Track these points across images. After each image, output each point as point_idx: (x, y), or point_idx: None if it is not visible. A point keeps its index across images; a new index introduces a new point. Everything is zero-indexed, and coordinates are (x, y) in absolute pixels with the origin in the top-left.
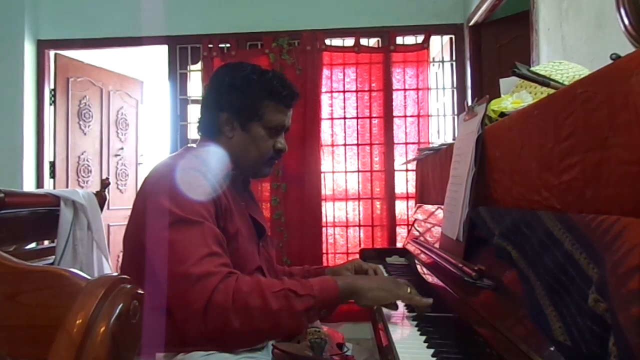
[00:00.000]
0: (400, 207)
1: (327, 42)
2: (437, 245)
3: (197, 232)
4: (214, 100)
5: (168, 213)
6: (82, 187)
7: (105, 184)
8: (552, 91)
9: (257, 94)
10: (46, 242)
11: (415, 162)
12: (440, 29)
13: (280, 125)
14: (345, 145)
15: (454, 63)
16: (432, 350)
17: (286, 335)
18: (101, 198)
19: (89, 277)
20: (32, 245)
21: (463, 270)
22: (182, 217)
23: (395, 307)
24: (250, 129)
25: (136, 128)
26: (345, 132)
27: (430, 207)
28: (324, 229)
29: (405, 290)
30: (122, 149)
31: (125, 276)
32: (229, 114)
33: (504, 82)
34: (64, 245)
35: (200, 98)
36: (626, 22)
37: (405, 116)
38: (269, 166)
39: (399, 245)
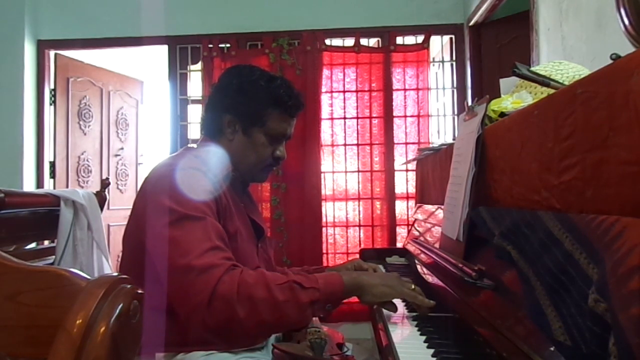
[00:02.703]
0: (400, 207)
1: (327, 42)
2: (437, 245)
3: (200, 227)
4: (219, 101)
5: (169, 211)
6: (82, 187)
7: (105, 184)
8: (552, 91)
9: (263, 100)
10: (46, 242)
11: (415, 162)
12: (440, 29)
13: (282, 134)
14: (345, 145)
15: (454, 63)
16: (432, 350)
17: (290, 328)
18: (101, 198)
19: (89, 277)
20: (32, 245)
21: (463, 270)
22: (184, 213)
23: (395, 309)
24: (251, 134)
25: (136, 128)
26: (345, 132)
27: (430, 207)
28: (324, 229)
29: (410, 287)
30: (122, 149)
31: (125, 276)
32: (233, 117)
33: (504, 82)
34: (64, 245)
35: (200, 98)
36: (626, 22)
37: (405, 116)
38: (266, 172)
39: (399, 245)
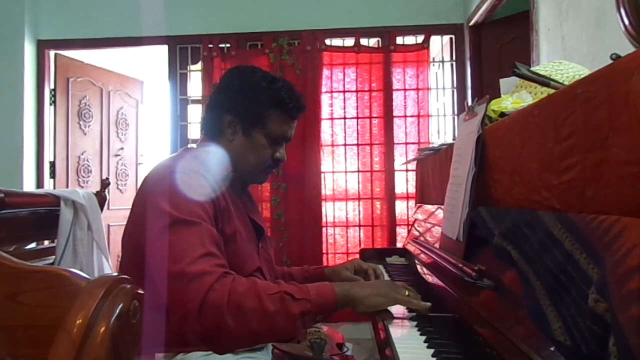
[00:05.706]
0: (400, 207)
1: (327, 42)
2: (437, 245)
3: (194, 233)
4: (220, 101)
5: (166, 215)
6: (82, 187)
7: (105, 184)
8: (552, 91)
9: (264, 102)
10: (46, 242)
11: (415, 162)
12: (440, 29)
13: (282, 136)
14: (345, 145)
15: (454, 63)
16: (432, 350)
17: (281, 339)
18: (101, 198)
19: (89, 277)
20: (32, 245)
21: (463, 270)
22: (180, 218)
23: (390, 316)
24: (252, 135)
25: (136, 128)
26: (345, 132)
27: (430, 207)
28: (324, 229)
29: (403, 293)
30: (122, 149)
31: (125, 276)
32: (233, 117)
33: (504, 82)
34: (64, 245)
35: (200, 98)
36: (626, 22)
37: (405, 116)
38: (265, 174)
39: (399, 245)
